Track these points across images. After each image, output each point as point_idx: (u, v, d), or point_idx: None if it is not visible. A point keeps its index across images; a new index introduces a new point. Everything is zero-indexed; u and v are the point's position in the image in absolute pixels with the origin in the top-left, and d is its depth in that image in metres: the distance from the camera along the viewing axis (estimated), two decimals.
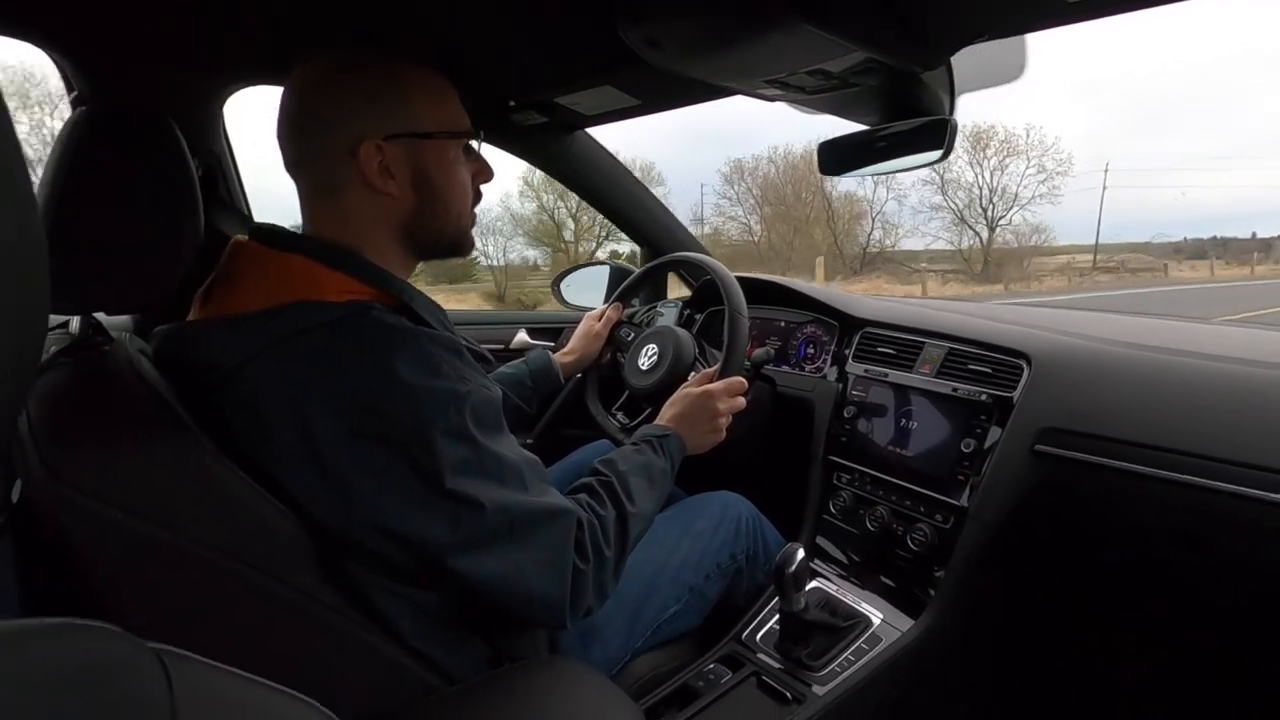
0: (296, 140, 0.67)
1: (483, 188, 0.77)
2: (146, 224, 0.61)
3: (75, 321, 0.62)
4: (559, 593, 0.63)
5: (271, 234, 0.66)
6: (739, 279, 1.09)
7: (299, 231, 0.69)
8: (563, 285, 1.69)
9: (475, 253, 0.88)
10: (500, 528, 0.60)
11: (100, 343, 0.61)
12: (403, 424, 0.57)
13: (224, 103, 1.05)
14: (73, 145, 0.59)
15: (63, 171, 0.58)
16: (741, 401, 0.95)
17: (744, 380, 0.96)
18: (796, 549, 0.85)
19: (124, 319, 1.05)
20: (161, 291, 0.61)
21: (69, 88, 0.91)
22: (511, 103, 1.07)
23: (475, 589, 0.60)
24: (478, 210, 0.77)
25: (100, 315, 0.64)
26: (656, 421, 0.91)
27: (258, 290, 0.62)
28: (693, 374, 1.07)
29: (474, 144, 0.74)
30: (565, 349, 1.22)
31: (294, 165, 0.68)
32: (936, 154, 0.84)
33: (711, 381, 0.95)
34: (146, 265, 0.61)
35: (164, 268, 0.61)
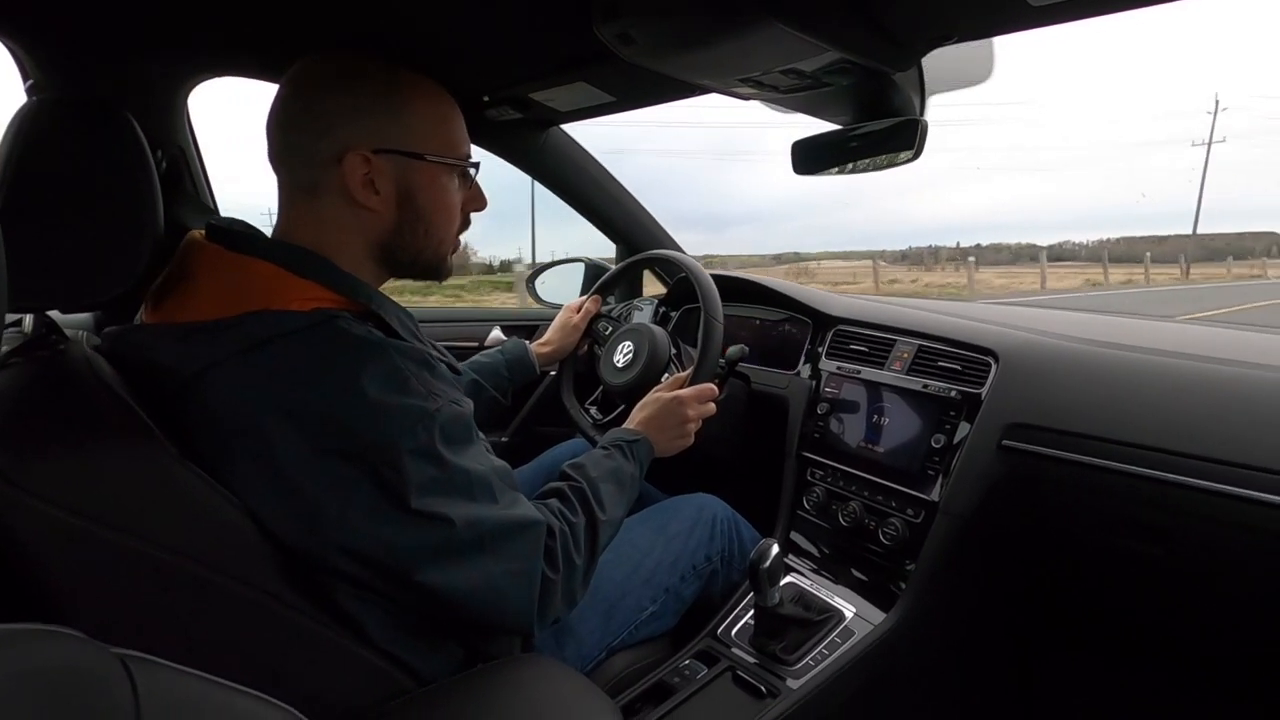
0: (283, 134, 0.65)
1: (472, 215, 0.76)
2: (103, 218, 0.59)
3: (28, 320, 0.60)
4: (528, 602, 0.63)
5: (230, 235, 0.63)
6: (714, 277, 1.09)
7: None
8: (537, 282, 1.68)
9: None
10: (471, 542, 0.59)
11: (55, 342, 0.59)
12: (368, 442, 0.55)
13: (188, 94, 1.03)
14: (24, 136, 0.57)
15: (13, 164, 0.56)
16: (712, 408, 0.96)
17: (715, 387, 0.97)
18: (771, 544, 0.86)
19: (83, 317, 1.02)
20: (120, 288, 0.59)
21: (24, 77, 0.88)
22: (486, 98, 1.06)
23: (444, 600, 0.59)
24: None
25: (55, 314, 0.62)
26: (626, 424, 0.91)
27: (216, 297, 0.59)
28: (666, 375, 1.07)
29: (470, 171, 0.73)
30: (542, 339, 1.21)
31: (276, 159, 0.66)
32: (908, 154, 0.85)
33: (684, 386, 0.95)
34: (103, 261, 0.58)
35: (122, 264, 0.59)
